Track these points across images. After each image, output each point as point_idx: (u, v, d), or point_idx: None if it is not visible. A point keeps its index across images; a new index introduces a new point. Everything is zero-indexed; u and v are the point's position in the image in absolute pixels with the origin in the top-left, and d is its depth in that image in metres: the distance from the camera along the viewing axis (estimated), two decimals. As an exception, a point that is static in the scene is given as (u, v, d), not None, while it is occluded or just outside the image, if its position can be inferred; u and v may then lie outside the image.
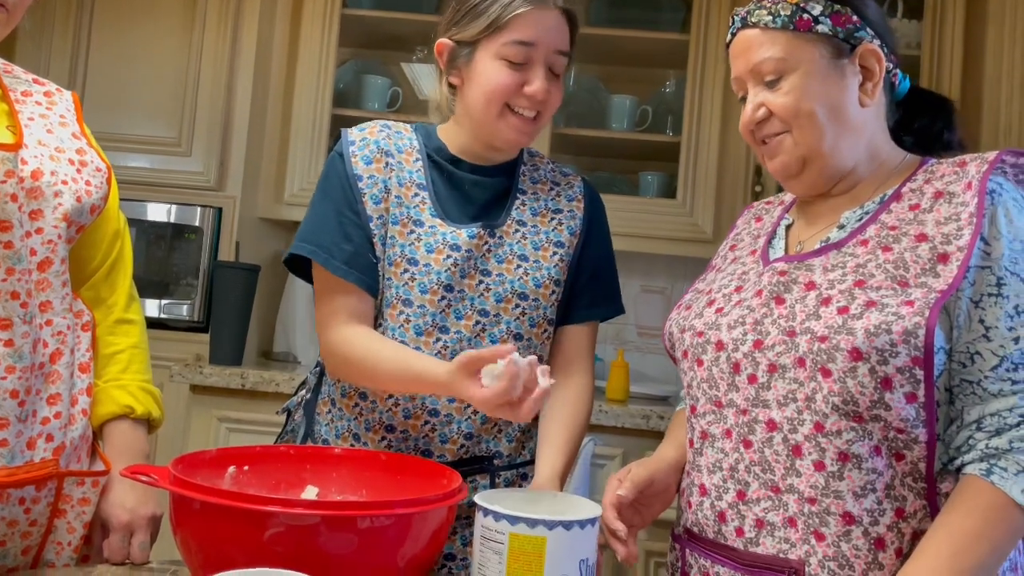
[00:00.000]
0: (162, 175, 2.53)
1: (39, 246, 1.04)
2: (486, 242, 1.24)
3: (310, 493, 1.10)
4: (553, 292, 1.26)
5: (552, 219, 1.29)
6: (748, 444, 0.97)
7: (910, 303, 0.89)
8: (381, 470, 1.12)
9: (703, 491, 1.02)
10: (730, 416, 1.00)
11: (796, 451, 0.94)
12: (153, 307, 2.47)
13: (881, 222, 0.98)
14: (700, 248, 2.54)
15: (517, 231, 1.26)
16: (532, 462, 1.30)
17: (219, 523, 0.87)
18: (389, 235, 1.22)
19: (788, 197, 1.19)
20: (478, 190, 1.27)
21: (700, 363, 1.05)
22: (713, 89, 2.56)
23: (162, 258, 2.50)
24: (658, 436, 2.16)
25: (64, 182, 1.07)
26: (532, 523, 0.88)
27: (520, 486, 1.29)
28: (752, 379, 0.98)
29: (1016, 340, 0.90)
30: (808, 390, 0.93)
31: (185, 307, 2.49)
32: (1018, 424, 0.88)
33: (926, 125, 1.10)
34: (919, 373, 0.88)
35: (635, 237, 2.52)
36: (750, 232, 1.18)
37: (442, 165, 1.27)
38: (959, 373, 0.91)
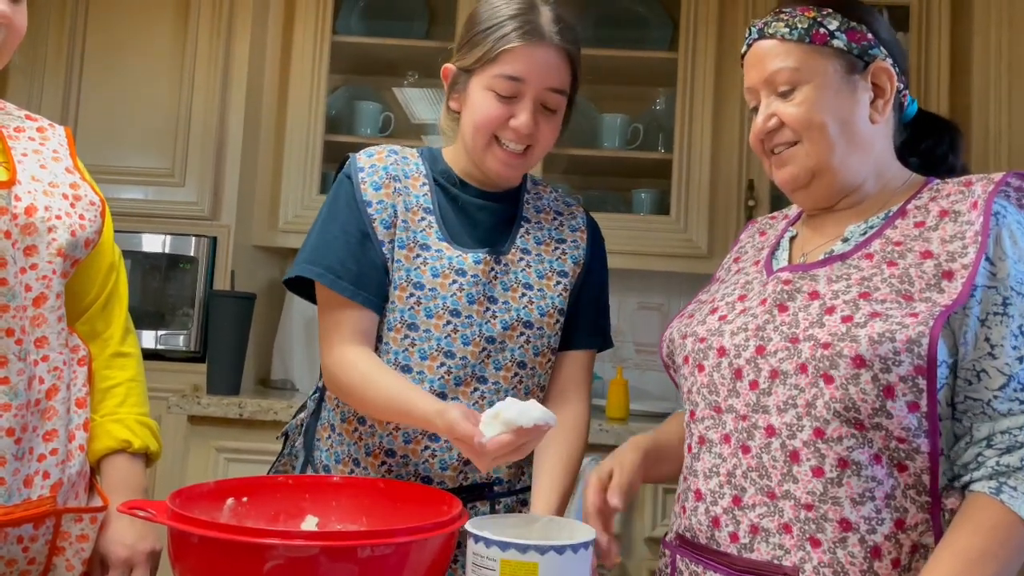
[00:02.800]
0: (156, 206, 2.54)
1: (34, 282, 1.04)
2: (492, 268, 1.24)
3: (310, 523, 1.10)
4: (557, 321, 1.27)
5: (556, 248, 1.30)
6: (746, 450, 0.98)
7: (914, 315, 0.90)
8: (381, 497, 1.11)
9: (698, 496, 1.02)
10: (729, 421, 1.00)
11: (794, 457, 0.94)
12: (150, 338, 2.47)
13: (886, 237, 0.99)
14: (696, 264, 2.54)
15: (522, 259, 1.27)
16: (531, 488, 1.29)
17: (218, 557, 0.86)
18: (395, 259, 1.23)
19: (793, 211, 1.20)
20: (484, 214, 1.28)
21: (701, 368, 1.05)
22: (703, 105, 2.58)
23: (158, 289, 2.50)
24: (659, 454, 2.15)
25: (58, 217, 1.07)
26: (523, 548, 0.88)
27: (520, 512, 1.29)
28: (753, 385, 0.98)
29: (1021, 359, 0.90)
30: (809, 396, 0.93)
31: (181, 337, 2.49)
32: None
33: (931, 147, 1.12)
34: (922, 383, 0.89)
35: (630, 255, 2.52)
36: (754, 245, 1.19)
37: (448, 189, 1.28)
38: (965, 390, 0.92)
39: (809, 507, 0.92)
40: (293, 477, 1.13)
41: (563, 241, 1.31)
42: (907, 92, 1.09)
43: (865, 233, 1.02)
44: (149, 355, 2.46)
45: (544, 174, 2.66)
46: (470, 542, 0.92)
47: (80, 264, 1.13)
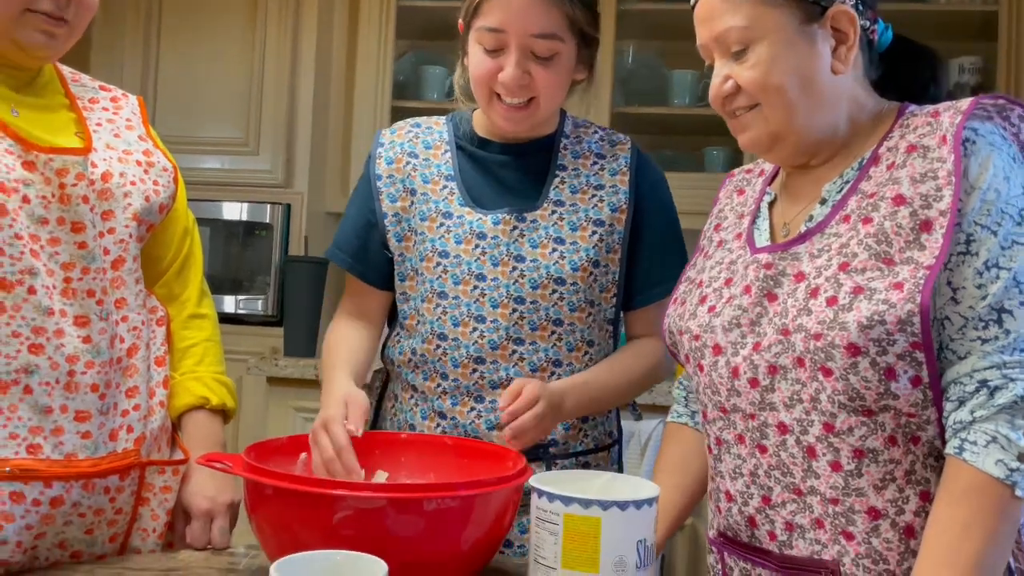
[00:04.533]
0: (233, 175, 2.61)
1: (112, 245, 1.08)
2: (515, 227, 1.22)
3: (380, 477, 1.12)
4: (591, 274, 1.23)
5: (593, 196, 1.25)
6: (763, 449, 0.94)
7: (899, 286, 0.84)
8: (449, 454, 1.13)
9: (729, 497, 0.99)
10: (739, 421, 0.96)
11: (810, 452, 0.90)
12: (230, 303, 2.55)
13: (860, 191, 0.93)
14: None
15: (554, 212, 1.24)
16: (594, 450, 1.28)
17: (290, 508, 0.89)
18: (418, 231, 1.24)
19: (769, 165, 1.11)
20: (509, 172, 1.26)
21: (701, 368, 1.01)
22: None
23: (236, 255, 2.58)
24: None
25: (132, 183, 1.11)
26: (586, 503, 0.87)
27: None
28: (753, 383, 0.94)
29: (984, 297, 0.84)
30: (812, 390, 0.89)
31: (259, 302, 2.56)
32: (976, 391, 0.82)
33: (910, 78, 1.02)
34: (920, 356, 0.84)
35: (703, 215, 2.45)
36: (733, 208, 1.11)
37: (469, 151, 1.27)
38: (937, 340, 0.86)
39: (835, 501, 0.89)
40: (365, 433, 1.15)
41: (601, 187, 1.25)
42: (875, 26, 0.98)
43: (841, 190, 0.95)
44: (229, 319, 2.57)
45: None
46: (534, 497, 0.92)
47: (155, 229, 1.17)
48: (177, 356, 1.21)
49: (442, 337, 1.22)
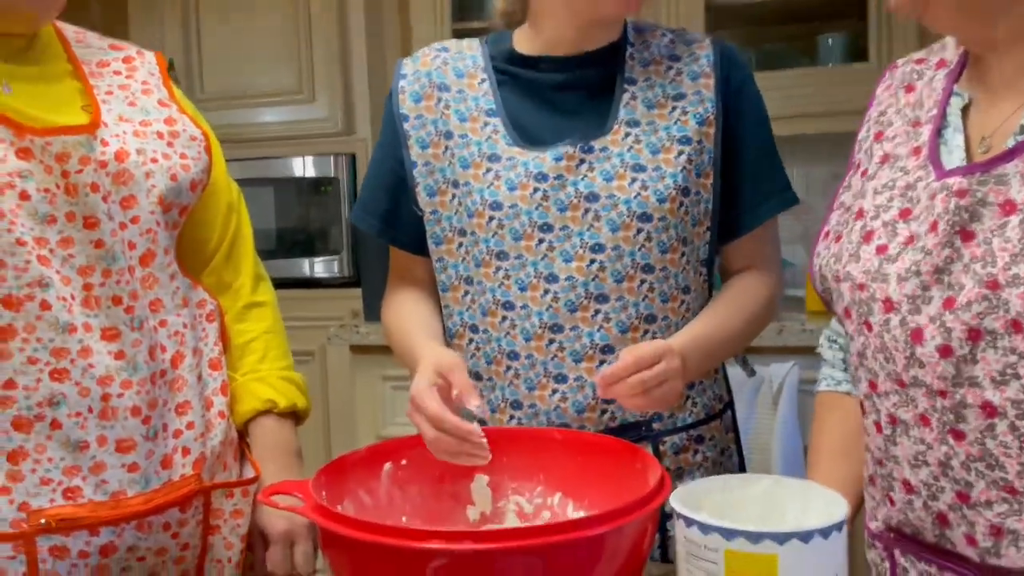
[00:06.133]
0: (289, 127, 2.46)
1: (137, 238, 0.90)
2: (582, 160, 1.00)
3: (480, 484, 0.95)
4: (682, 205, 1.00)
5: (673, 109, 1.02)
6: (959, 435, 0.74)
7: None
8: (558, 451, 0.94)
9: (908, 488, 0.80)
10: (921, 398, 0.76)
11: None
12: (303, 266, 2.43)
13: None
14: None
15: (628, 135, 1.01)
16: (705, 420, 1.07)
17: (372, 559, 0.71)
18: (460, 182, 1.03)
19: (950, 52, 0.84)
20: (567, 95, 1.03)
21: (868, 327, 0.80)
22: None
23: (303, 215, 2.43)
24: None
25: (154, 160, 0.92)
26: (755, 537, 0.66)
27: (695, 452, 1.06)
28: (944, 351, 0.71)
29: None
30: None
31: (335, 263, 2.43)
32: None
33: None
34: None
35: (819, 116, 2.14)
36: (900, 112, 0.85)
37: (513, 73, 1.05)
38: None
39: None
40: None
41: (682, 97, 1.02)
42: None
43: None
44: (304, 283, 2.45)
45: (710, 30, 2.29)
46: (679, 524, 0.71)
47: (191, 211, 0.99)
48: (235, 354, 1.05)
49: (507, 306, 1.02)
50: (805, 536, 0.66)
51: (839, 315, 0.85)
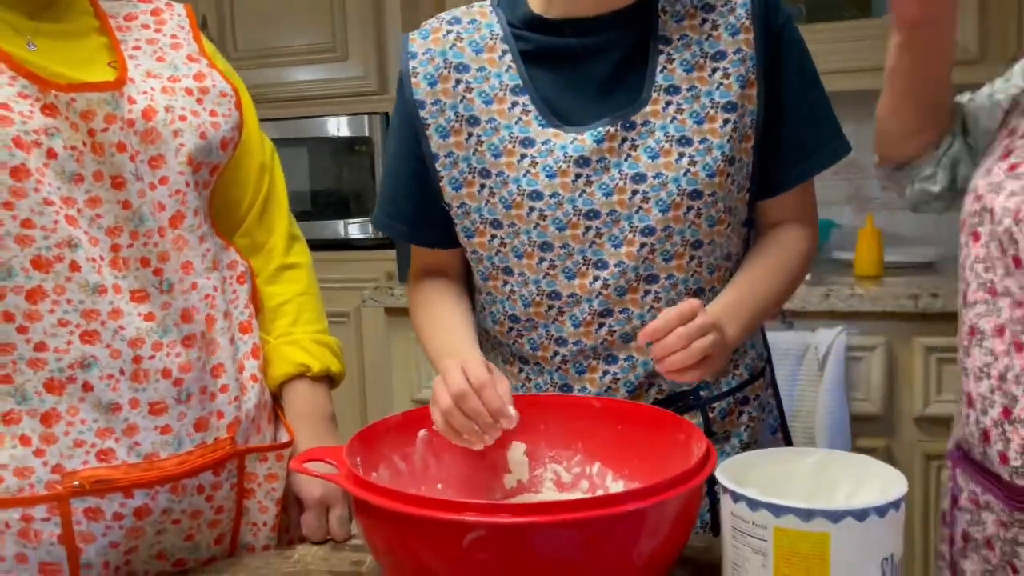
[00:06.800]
0: (323, 85, 2.41)
1: (166, 199, 0.88)
2: (624, 139, 0.93)
3: (517, 452, 0.93)
4: (728, 176, 0.94)
5: (714, 71, 0.93)
6: (1021, 347, 0.75)
7: None
8: (596, 419, 0.91)
9: (969, 401, 0.83)
10: (1004, 308, 0.78)
11: None
12: (338, 228, 2.41)
13: None
14: (961, 72, 1.98)
15: (669, 104, 0.93)
16: (749, 381, 1.03)
17: (407, 531, 0.69)
18: (493, 172, 0.96)
19: None
20: (597, 62, 0.95)
21: (976, 237, 0.82)
22: None
23: (337, 175, 2.40)
24: (927, 318, 1.77)
25: (183, 118, 0.90)
26: (806, 515, 0.63)
27: (740, 413, 1.02)
28: None
29: None
30: None
31: (369, 224, 2.39)
32: None
33: None
34: None
35: (871, 71, 2.02)
36: None
37: (535, 41, 0.96)
38: None
39: None
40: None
41: (722, 56, 0.93)
42: None
43: None
44: (338, 245, 2.43)
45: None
46: (726, 499, 0.68)
47: (223, 170, 0.96)
48: (268, 317, 1.03)
49: (554, 296, 0.97)
50: (860, 514, 0.62)
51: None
